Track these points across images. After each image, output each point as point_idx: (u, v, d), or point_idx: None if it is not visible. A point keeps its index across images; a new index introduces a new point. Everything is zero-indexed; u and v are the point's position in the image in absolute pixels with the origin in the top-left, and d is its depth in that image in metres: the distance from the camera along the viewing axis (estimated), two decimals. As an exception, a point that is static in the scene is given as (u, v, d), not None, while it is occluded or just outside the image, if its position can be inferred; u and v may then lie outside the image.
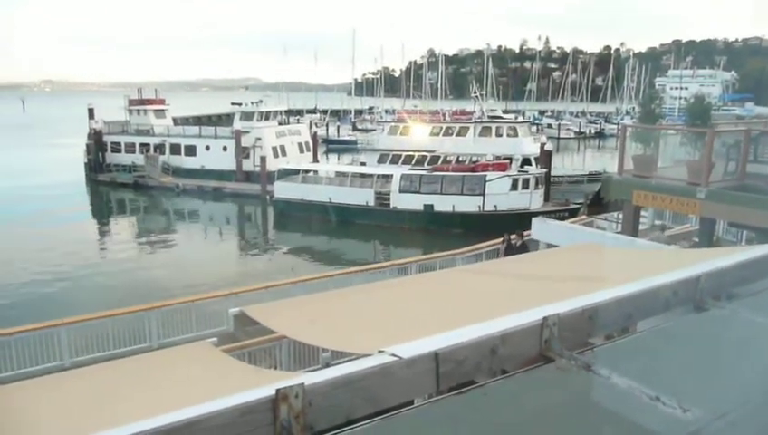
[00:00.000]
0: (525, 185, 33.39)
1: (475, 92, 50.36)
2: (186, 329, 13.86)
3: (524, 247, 15.45)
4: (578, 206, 34.08)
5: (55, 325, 12.56)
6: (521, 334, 2.54)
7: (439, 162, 38.94)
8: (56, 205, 41.37)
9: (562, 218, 23.46)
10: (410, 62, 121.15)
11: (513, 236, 16.04)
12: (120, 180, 50.16)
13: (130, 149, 52.62)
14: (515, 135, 43.46)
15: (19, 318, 18.92)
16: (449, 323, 2.91)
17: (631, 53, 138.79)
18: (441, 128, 47.20)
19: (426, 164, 38.76)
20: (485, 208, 32.95)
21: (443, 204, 33.42)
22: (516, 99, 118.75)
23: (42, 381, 4.44)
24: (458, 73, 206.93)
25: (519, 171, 34.52)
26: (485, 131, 43.99)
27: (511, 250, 15.35)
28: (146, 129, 53.84)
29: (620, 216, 16.04)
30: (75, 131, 69.32)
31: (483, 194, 32.98)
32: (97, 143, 52.88)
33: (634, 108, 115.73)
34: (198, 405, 1.96)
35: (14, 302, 23.02)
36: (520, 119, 57.53)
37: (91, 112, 55.08)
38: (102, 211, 45.04)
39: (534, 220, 8.57)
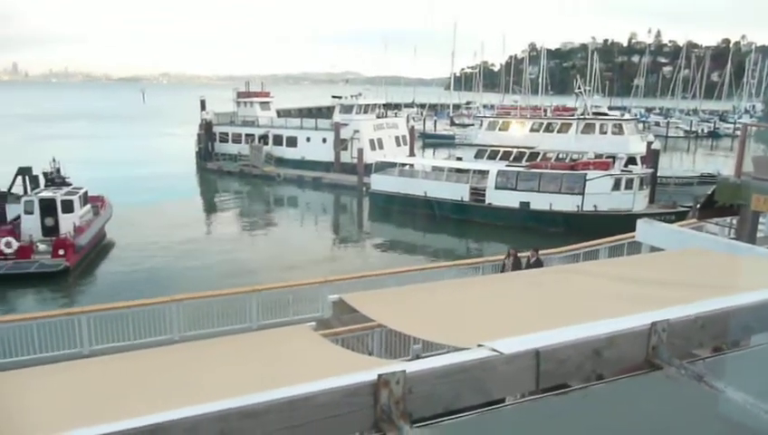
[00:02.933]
0: (629, 185, 31.79)
1: (578, 88, 48.50)
2: (283, 313, 14.46)
3: (539, 264, 14.63)
4: (686, 209, 32.00)
5: (167, 302, 13.52)
6: (627, 338, 2.45)
7: (538, 159, 37.96)
8: (170, 191, 44.34)
9: (669, 222, 22.12)
10: (510, 57, 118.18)
11: (529, 253, 15.20)
12: (227, 169, 52.93)
13: (237, 139, 55.33)
14: (620, 133, 41.56)
15: (134, 293, 20.59)
16: (550, 322, 2.86)
17: (753, 47, 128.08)
18: (541, 124, 46.00)
19: (524, 161, 37.91)
20: (584, 208, 31.73)
21: (540, 202, 32.54)
22: (622, 95, 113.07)
23: (155, 351, 4.79)
24: (561, 68, 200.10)
25: (622, 171, 32.89)
26: (588, 128, 42.38)
27: (518, 267, 14.58)
28: (251, 120, 56.36)
29: (734, 221, 14.93)
30: (186, 121, 73.95)
31: (582, 193, 31.77)
32: (207, 133, 56.06)
33: (754, 106, 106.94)
34: (304, 384, 2.06)
35: (131, 278, 24.99)
36: (626, 116, 54.83)
37: (202, 104, 58.42)
38: (210, 197, 47.73)
39: (639, 222, 8.13)
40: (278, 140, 53.17)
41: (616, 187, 31.70)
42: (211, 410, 1.86)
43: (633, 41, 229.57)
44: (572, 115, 46.98)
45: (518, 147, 41.32)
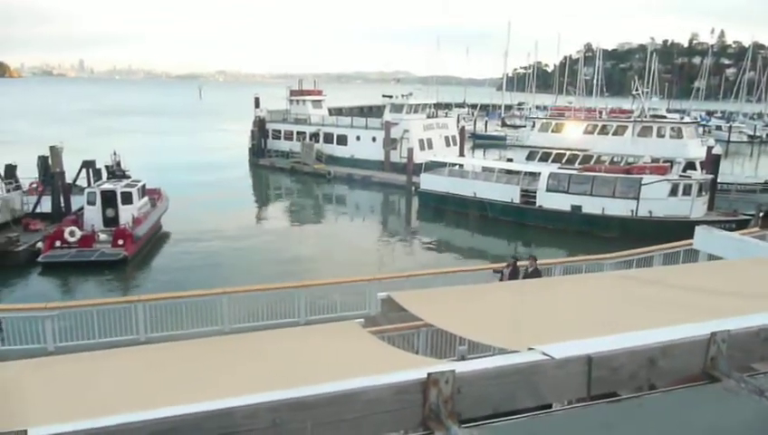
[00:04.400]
0: (687, 191, 30.67)
1: (636, 89, 47.11)
2: (330, 309, 14.62)
3: (537, 274, 14.15)
4: (748, 217, 30.65)
5: (218, 294, 13.89)
6: (684, 348, 2.39)
7: (591, 162, 37.06)
8: (224, 185, 45.48)
9: (729, 230, 21.30)
10: (565, 57, 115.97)
11: (526, 262, 14.71)
12: (279, 165, 53.87)
13: (289, 136, 56.22)
14: (679, 136, 40.20)
15: (187, 284, 21.23)
16: (602, 328, 2.81)
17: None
18: (596, 126, 44.97)
19: (577, 163, 37.07)
20: (639, 213, 30.82)
21: (592, 206, 31.78)
22: (681, 97, 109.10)
23: (208, 341, 4.92)
24: (617, 69, 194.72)
25: (681, 176, 31.76)
26: (645, 131, 41.17)
27: (516, 276, 14.16)
28: (303, 118, 57.15)
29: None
30: (240, 118, 75.56)
31: (637, 198, 30.85)
32: (260, 130, 57.18)
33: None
34: (354, 379, 2.10)
35: (184, 269, 25.76)
36: (686, 119, 52.95)
37: (256, 102, 59.58)
38: (262, 193, 48.70)
39: (698, 229, 7.84)
40: (329, 138, 53.73)
41: (673, 192, 30.65)
42: (266, 399, 1.92)
43: (694, 41, 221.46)
44: (629, 117, 45.71)
45: (571, 149, 40.44)
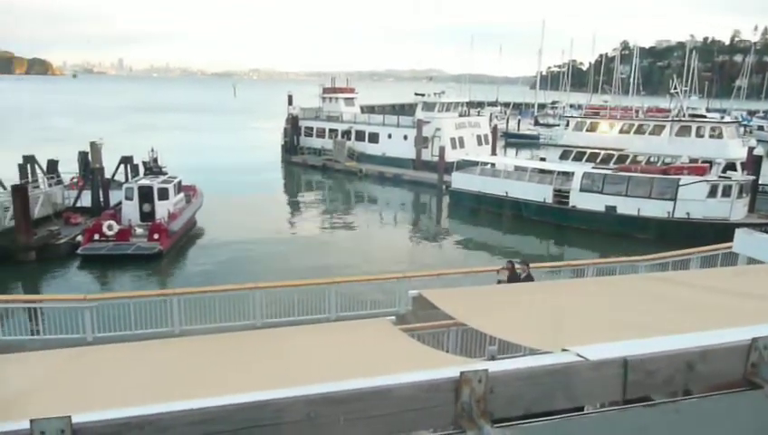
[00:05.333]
0: (726, 192, 29.84)
1: (674, 88, 46.08)
2: (360, 306, 14.69)
3: (530, 279, 13.71)
4: (792, 220, 29.73)
5: (251, 288, 14.08)
6: (723, 353, 2.34)
7: (627, 162, 36.38)
8: (256, 182, 46.09)
9: (772, 233, 20.72)
10: (600, 55, 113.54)
11: (520, 267, 14.14)
12: (311, 163, 54.29)
13: (321, 134, 56.60)
14: (719, 136, 39.21)
15: (220, 278, 21.56)
16: (638, 331, 2.77)
17: None
18: (632, 125, 44.19)
19: (612, 163, 36.44)
20: (676, 215, 30.12)
21: (627, 207, 31.19)
22: (722, 97, 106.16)
23: (241, 335, 5.00)
24: (654, 68, 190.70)
25: (720, 177, 30.94)
26: (684, 131, 40.27)
27: (514, 280, 13.69)
28: (335, 115, 57.44)
29: None
30: (274, 115, 76.36)
31: (674, 199, 30.17)
32: (293, 127, 57.69)
33: None
34: (386, 376, 2.11)
35: (217, 263, 26.17)
36: (726, 119, 51.55)
37: (289, 99, 60.15)
38: (294, 190, 49.16)
39: (738, 231, 7.63)
40: (360, 136, 53.91)
41: (712, 193, 29.88)
42: (299, 393, 1.95)
43: (736, 39, 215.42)
44: (666, 117, 44.77)
45: (606, 148, 39.77)
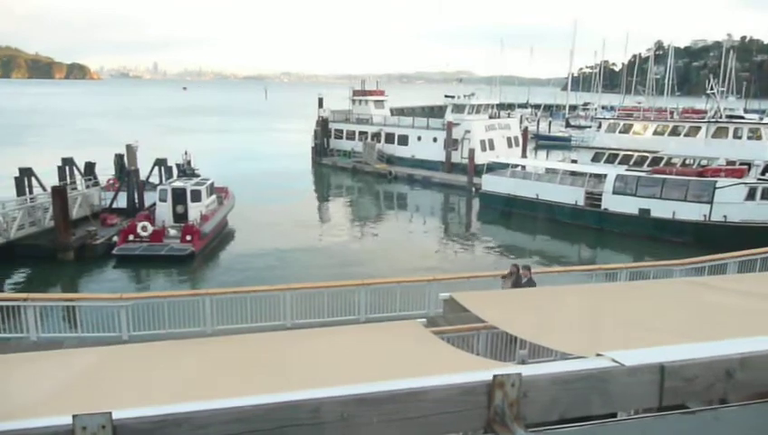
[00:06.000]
0: (765, 195, 29.02)
1: (711, 88, 44.98)
2: (390, 308, 14.70)
3: (531, 284, 13.50)
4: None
5: (282, 290, 14.22)
6: (764, 360, 2.28)
7: (661, 164, 35.64)
8: (287, 184, 46.54)
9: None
10: (634, 56, 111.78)
11: (521, 272, 13.88)
12: (340, 165, 54.59)
13: (351, 136, 56.84)
14: (758, 138, 38.10)
15: (250, 279, 21.83)
16: (675, 336, 2.72)
17: None
18: (667, 126, 43.29)
19: (645, 165, 35.75)
20: (712, 218, 29.41)
21: (661, 210, 30.56)
22: (760, 97, 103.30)
23: (273, 335, 5.05)
24: (690, 68, 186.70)
25: (759, 179, 30.10)
26: (721, 132, 39.26)
27: (518, 285, 13.47)
28: (365, 118, 57.61)
29: None
30: (304, 118, 76.98)
31: (710, 202, 29.46)
32: (323, 130, 58.09)
33: None
34: (419, 378, 2.11)
35: (248, 264, 26.48)
36: (765, 120, 50.14)
37: (320, 102, 60.55)
38: (324, 192, 49.46)
39: (779, 236, 7.46)
40: (390, 139, 53.96)
41: (750, 196, 29.10)
42: (333, 394, 1.96)
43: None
44: (702, 118, 43.73)
45: (640, 150, 39.02)
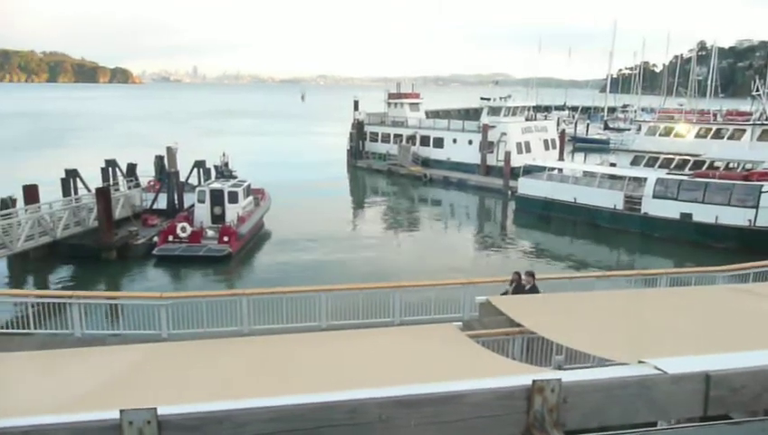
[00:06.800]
0: (814, 200, 27.99)
1: (756, 90, 43.61)
2: (424, 311, 14.67)
3: (534, 290, 13.26)
4: None
5: (317, 290, 14.33)
6: (815, 371, 2.20)
7: (703, 168, 34.69)
8: (323, 186, 46.92)
9: None
10: (675, 56, 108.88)
11: (525, 278, 13.70)
12: (376, 167, 54.73)
13: (386, 139, 56.91)
14: (807, 141, 36.81)
15: (286, 280, 22.05)
16: (718, 345, 2.65)
17: None
18: (710, 129, 42.17)
19: (687, 169, 34.86)
20: (758, 223, 28.47)
21: (704, 214, 29.73)
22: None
23: (310, 336, 5.09)
24: (734, 68, 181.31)
25: (808, 184, 29.03)
26: (766, 135, 38.02)
27: (520, 291, 13.32)
28: (401, 121, 57.65)
29: None
30: (340, 120, 77.49)
31: (756, 207, 28.52)
32: (358, 132, 58.34)
33: None
34: (458, 382, 2.11)
35: (284, 265, 26.77)
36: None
37: (355, 104, 60.84)
38: (359, 194, 49.66)
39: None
40: (425, 141, 53.86)
41: (798, 201, 28.08)
42: (371, 395, 1.98)
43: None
44: (747, 120, 42.42)
45: (681, 154, 38.07)
